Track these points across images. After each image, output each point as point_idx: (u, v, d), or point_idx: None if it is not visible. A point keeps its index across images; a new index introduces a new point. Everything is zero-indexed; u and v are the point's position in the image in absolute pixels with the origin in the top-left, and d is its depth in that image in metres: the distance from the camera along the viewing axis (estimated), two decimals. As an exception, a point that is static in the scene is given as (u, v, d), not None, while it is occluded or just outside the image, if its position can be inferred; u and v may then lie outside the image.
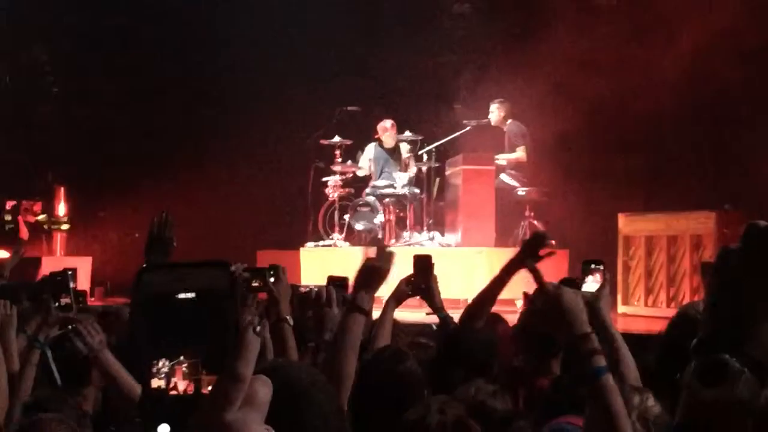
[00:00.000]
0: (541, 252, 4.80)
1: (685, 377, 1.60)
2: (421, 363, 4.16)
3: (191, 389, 1.60)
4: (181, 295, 1.64)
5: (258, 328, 1.42)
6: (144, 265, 1.78)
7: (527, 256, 4.74)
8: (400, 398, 3.73)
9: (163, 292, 1.65)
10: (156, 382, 1.62)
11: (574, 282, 5.62)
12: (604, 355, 2.61)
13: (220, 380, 1.33)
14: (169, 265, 1.80)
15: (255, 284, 4.62)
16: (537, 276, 2.80)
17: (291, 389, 2.23)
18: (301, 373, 2.38)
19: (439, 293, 5.14)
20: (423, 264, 5.11)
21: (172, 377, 1.62)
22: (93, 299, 11.93)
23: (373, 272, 3.78)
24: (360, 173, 14.13)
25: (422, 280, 5.04)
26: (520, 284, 5.69)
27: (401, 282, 4.96)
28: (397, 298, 4.92)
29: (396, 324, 5.29)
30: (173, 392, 1.61)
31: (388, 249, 3.93)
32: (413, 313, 6.60)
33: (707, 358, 1.57)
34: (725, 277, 1.64)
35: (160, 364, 1.62)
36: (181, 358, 1.62)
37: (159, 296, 1.65)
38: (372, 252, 3.86)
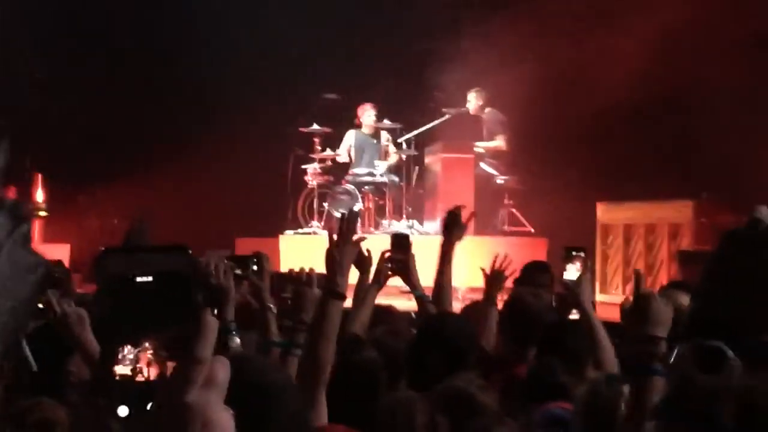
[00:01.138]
0: (464, 221, 5.11)
1: (675, 359, 1.62)
2: (396, 351, 4.16)
3: (156, 374, 1.62)
4: (140, 279, 1.66)
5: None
6: (103, 249, 1.80)
7: (454, 235, 5.05)
8: (359, 386, 3.74)
9: (121, 276, 1.67)
10: (121, 369, 1.64)
11: (538, 264, 5.78)
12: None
13: (180, 362, 1.34)
14: (128, 249, 1.82)
15: (238, 272, 4.62)
16: (638, 279, 3.09)
17: (254, 384, 2.24)
18: (265, 369, 2.39)
19: (416, 271, 5.17)
20: (401, 242, 5.17)
21: (138, 363, 1.63)
22: (73, 286, 11.88)
23: (336, 256, 3.77)
24: (340, 160, 14.13)
25: (400, 257, 5.07)
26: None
27: (379, 261, 5.00)
28: (378, 279, 4.93)
29: (393, 312, 5.30)
30: (139, 378, 1.63)
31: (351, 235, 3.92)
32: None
33: (702, 344, 1.59)
34: (724, 265, 1.66)
35: (125, 350, 1.63)
36: (146, 344, 1.63)
37: (118, 279, 1.67)
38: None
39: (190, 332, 1.28)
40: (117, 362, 1.64)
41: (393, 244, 5.16)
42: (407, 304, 5.80)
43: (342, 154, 14.11)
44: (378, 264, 4.99)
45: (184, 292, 1.64)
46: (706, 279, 1.70)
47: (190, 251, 1.74)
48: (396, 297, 6.72)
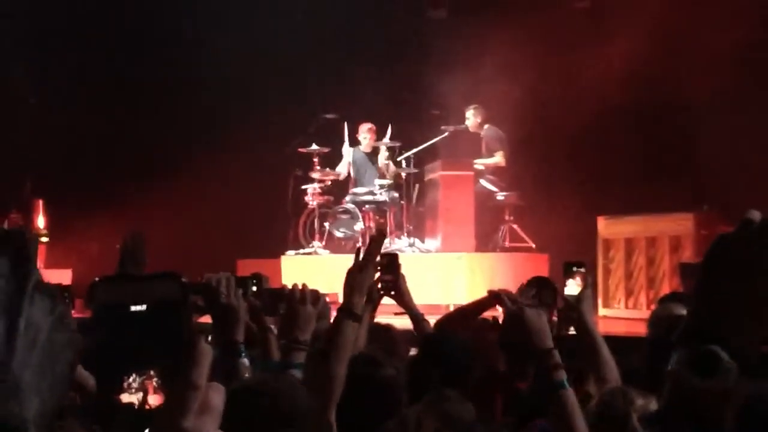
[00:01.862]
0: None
1: (672, 365, 1.62)
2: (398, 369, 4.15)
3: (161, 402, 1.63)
4: (134, 308, 1.67)
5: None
6: (96, 279, 1.81)
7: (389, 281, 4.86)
8: (377, 406, 3.72)
9: (116, 305, 1.68)
10: (127, 397, 1.65)
11: (545, 281, 5.69)
12: (566, 370, 2.72)
13: (175, 389, 1.34)
14: (122, 278, 1.83)
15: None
16: (499, 299, 3.01)
17: (279, 407, 2.24)
18: (291, 391, 2.39)
19: (408, 292, 5.13)
20: (390, 261, 5.11)
21: (145, 392, 1.65)
22: (74, 312, 11.88)
23: (357, 277, 3.74)
24: (340, 177, 14.16)
25: (390, 277, 5.02)
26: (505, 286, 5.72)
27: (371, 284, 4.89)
28: (371, 299, 4.75)
29: (392, 331, 5.27)
30: (147, 407, 1.64)
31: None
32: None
33: (698, 349, 1.59)
34: (716, 269, 1.66)
35: (131, 378, 1.65)
36: (151, 372, 1.65)
37: (112, 308, 1.68)
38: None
39: (185, 359, 1.29)
40: (121, 390, 1.65)
41: (382, 265, 5.10)
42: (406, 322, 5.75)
43: (342, 172, 14.13)
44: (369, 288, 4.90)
45: (178, 319, 1.66)
46: (699, 284, 1.70)
47: (183, 279, 1.75)
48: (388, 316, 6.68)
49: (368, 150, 14.02)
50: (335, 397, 3.43)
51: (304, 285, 4.14)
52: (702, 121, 12.39)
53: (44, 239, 15.38)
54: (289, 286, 4.18)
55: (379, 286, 4.95)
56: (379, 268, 5.01)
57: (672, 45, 12.52)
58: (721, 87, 11.95)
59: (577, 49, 13.11)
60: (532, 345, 2.72)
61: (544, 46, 13.06)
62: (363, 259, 3.72)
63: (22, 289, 1.24)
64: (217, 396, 1.31)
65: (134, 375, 1.59)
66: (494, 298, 3.29)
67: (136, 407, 1.61)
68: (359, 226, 13.43)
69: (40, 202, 15.54)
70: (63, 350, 1.27)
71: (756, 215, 1.66)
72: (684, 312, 3.91)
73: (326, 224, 13.74)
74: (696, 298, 1.69)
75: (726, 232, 1.68)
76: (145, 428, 1.54)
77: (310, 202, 14.02)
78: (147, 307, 1.67)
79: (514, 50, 12.81)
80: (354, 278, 3.69)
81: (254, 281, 4.62)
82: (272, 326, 4.51)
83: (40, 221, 15.48)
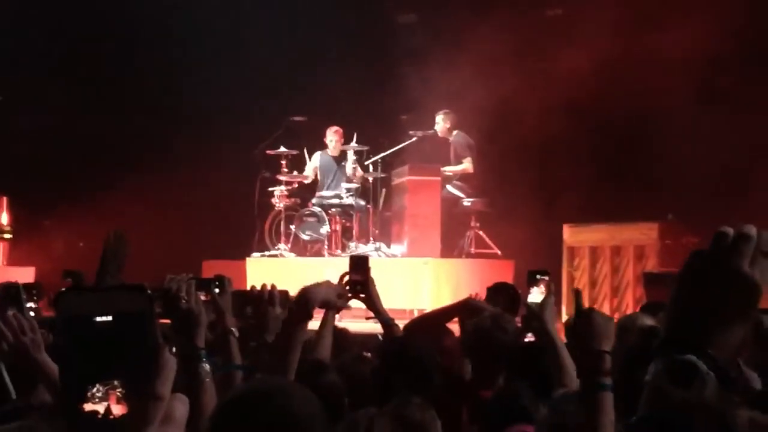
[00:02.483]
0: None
1: (649, 375, 1.64)
2: (364, 377, 4.14)
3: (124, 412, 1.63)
4: (99, 318, 1.68)
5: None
6: (62, 289, 1.81)
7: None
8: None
9: (81, 315, 1.69)
10: (90, 407, 1.65)
11: (506, 286, 5.71)
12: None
13: (139, 399, 1.34)
14: (87, 289, 1.84)
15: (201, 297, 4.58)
16: (474, 305, 3.10)
17: (285, 413, 2.23)
18: (296, 396, 2.38)
19: (378, 296, 5.07)
20: (359, 263, 5.05)
21: (107, 402, 1.66)
22: (42, 308, 11.78)
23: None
24: (306, 181, 14.15)
25: (359, 278, 4.96)
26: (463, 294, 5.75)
27: (337, 284, 4.69)
28: (332, 306, 4.50)
29: (347, 335, 5.26)
30: (111, 416, 1.64)
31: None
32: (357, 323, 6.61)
33: (675, 359, 1.61)
34: (691, 281, 1.67)
35: (94, 389, 1.66)
36: (115, 382, 1.66)
37: (77, 319, 1.69)
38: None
39: (149, 370, 1.29)
40: (85, 400, 1.65)
41: (351, 265, 5.05)
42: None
43: (309, 176, 14.12)
44: (337, 286, 4.79)
45: (143, 331, 1.66)
46: (675, 297, 1.71)
47: (149, 291, 1.76)
48: (360, 321, 6.68)
49: (335, 153, 14.01)
50: None
51: (273, 286, 4.13)
52: (667, 130, 12.47)
53: (7, 236, 15.28)
54: (258, 288, 4.17)
55: (347, 288, 4.89)
56: (348, 269, 4.98)
57: (638, 55, 12.59)
58: (687, 97, 12.03)
59: (545, 56, 13.16)
60: (591, 342, 2.77)
61: (513, 53, 13.09)
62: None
63: None
64: (182, 407, 1.31)
65: (98, 385, 1.59)
66: (467, 305, 3.29)
67: (99, 417, 1.60)
68: (325, 229, 13.42)
69: (4, 200, 15.42)
70: None
71: (729, 230, 1.68)
72: (651, 323, 3.94)
73: (292, 227, 13.71)
74: (672, 311, 1.71)
75: (699, 249, 1.70)
76: None
77: (277, 205, 14.00)
78: (112, 318, 1.68)
79: (484, 56, 12.84)
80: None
81: (216, 283, 4.60)
82: (234, 329, 4.49)
83: (4, 218, 15.36)
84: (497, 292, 6.11)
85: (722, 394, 1.60)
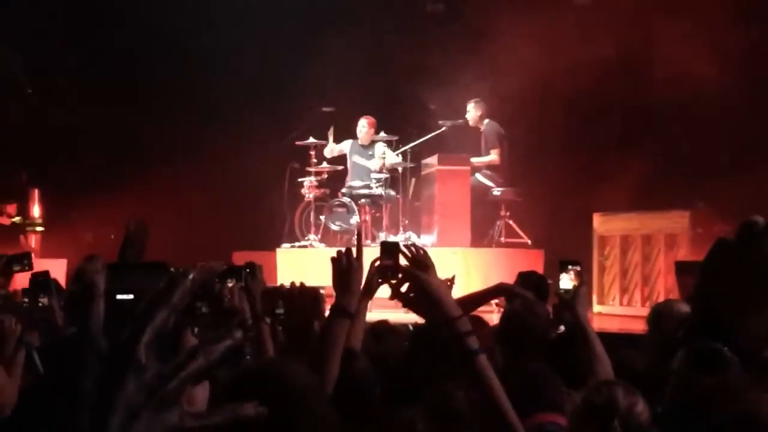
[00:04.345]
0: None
1: (676, 362, 1.63)
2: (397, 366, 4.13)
3: None
4: (120, 296, 1.66)
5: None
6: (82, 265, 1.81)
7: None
8: (354, 399, 3.70)
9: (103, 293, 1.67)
10: None
11: (533, 275, 5.65)
12: (475, 336, 2.65)
13: None
14: (109, 266, 1.82)
15: (231, 283, 4.60)
16: (508, 290, 2.95)
17: (285, 391, 2.23)
18: (297, 374, 2.37)
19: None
20: (389, 248, 4.97)
21: None
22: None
23: (343, 272, 3.75)
24: (326, 154, 14.08)
25: (390, 262, 4.88)
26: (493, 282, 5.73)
27: (369, 271, 4.48)
28: (368, 289, 4.46)
29: (393, 329, 5.24)
30: None
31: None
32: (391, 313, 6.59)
33: (701, 346, 1.60)
34: (718, 269, 1.66)
35: None
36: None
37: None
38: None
39: (170, 351, 1.28)
40: None
41: (382, 251, 4.98)
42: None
43: (333, 151, 14.06)
44: (367, 275, 4.71)
45: None
46: (701, 285, 1.70)
47: (172, 268, 1.74)
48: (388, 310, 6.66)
49: (366, 143, 13.99)
50: (327, 392, 3.43)
51: (302, 283, 4.14)
52: (700, 119, 12.38)
53: (39, 229, 15.38)
54: (282, 283, 4.19)
55: (378, 273, 4.83)
56: (379, 255, 4.93)
57: (668, 40, 12.49)
58: (725, 85, 11.92)
59: (577, 45, 13.08)
60: (438, 313, 2.66)
61: (544, 41, 13.02)
62: (350, 256, 3.74)
63: None
64: (202, 390, 1.31)
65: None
66: (502, 289, 3.24)
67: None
68: (355, 219, 13.41)
69: (36, 192, 15.53)
70: None
71: (760, 219, 1.67)
72: (688, 310, 3.92)
73: (322, 217, 13.72)
74: (698, 299, 1.70)
75: (725, 237, 1.69)
76: None
77: (307, 195, 14.00)
78: (134, 296, 1.66)
79: (514, 45, 12.79)
80: (343, 276, 3.70)
81: (248, 270, 4.61)
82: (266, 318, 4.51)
83: (36, 211, 15.47)
84: (526, 280, 6.10)
85: (748, 380, 1.59)
